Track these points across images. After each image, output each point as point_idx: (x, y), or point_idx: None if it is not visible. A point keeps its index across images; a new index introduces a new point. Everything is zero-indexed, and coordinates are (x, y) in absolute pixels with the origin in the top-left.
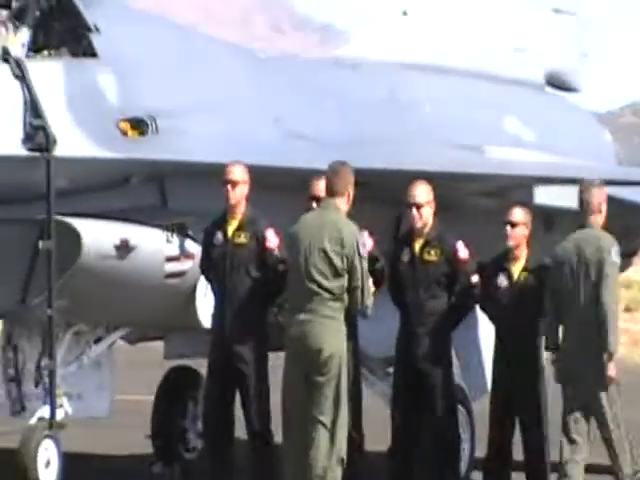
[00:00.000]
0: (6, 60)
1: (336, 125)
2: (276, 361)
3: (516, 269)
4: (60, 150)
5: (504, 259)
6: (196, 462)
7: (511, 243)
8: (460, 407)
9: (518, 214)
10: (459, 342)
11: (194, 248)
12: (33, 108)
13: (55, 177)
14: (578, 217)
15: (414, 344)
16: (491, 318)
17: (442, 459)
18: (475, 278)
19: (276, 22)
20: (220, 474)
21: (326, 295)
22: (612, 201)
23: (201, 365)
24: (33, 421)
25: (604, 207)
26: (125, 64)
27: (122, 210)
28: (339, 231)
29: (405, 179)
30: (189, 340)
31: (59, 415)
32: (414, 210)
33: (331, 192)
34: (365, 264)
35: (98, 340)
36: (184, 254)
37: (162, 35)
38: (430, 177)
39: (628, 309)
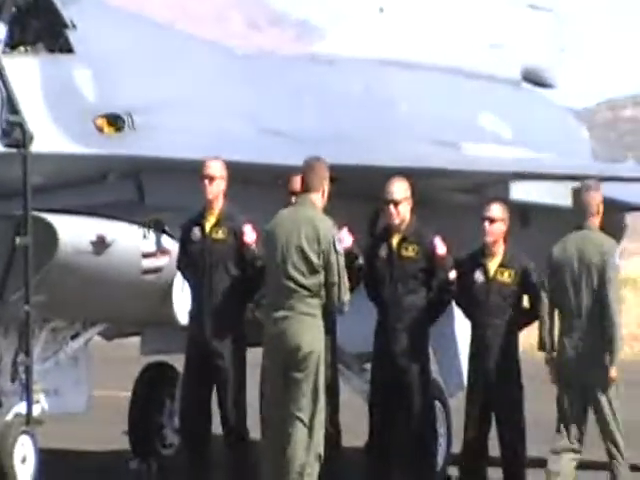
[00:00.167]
0: None
1: (313, 121)
2: (253, 357)
3: (492, 265)
4: (37, 146)
5: (481, 255)
6: (173, 458)
7: (489, 239)
8: (437, 403)
9: (496, 210)
10: (435, 338)
11: (170, 244)
12: (10, 104)
13: (32, 173)
14: (554, 213)
15: (392, 340)
16: (467, 314)
17: (419, 454)
18: (453, 274)
19: (252, 19)
20: (197, 470)
21: (304, 292)
22: None
23: (177, 361)
24: (10, 417)
25: (601, 208)
26: (101, 60)
27: (99, 206)
28: (315, 227)
29: (382, 175)
30: (165, 336)
31: (36, 411)
32: (391, 207)
33: (306, 187)
34: (342, 260)
35: (75, 336)
36: (160, 250)
37: (139, 32)
38: (407, 173)
39: None
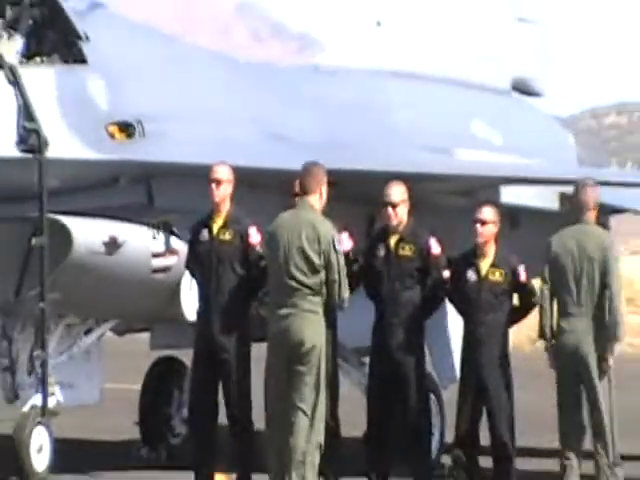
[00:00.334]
0: (0, 67)
1: (314, 128)
2: (257, 352)
3: (484, 265)
4: (52, 152)
5: (473, 255)
6: (181, 447)
7: (480, 240)
8: (431, 395)
9: (488, 213)
10: (430, 333)
11: (178, 244)
12: (26, 112)
13: (47, 177)
14: (542, 216)
15: (389, 335)
16: (460, 310)
17: (414, 444)
18: (446, 273)
19: (255, 31)
20: (203, 458)
21: (306, 290)
22: None
23: (186, 355)
24: (26, 409)
25: (597, 205)
26: (113, 70)
27: (111, 208)
28: (315, 229)
29: (380, 180)
30: (174, 332)
31: (51, 403)
32: (390, 209)
33: (304, 190)
34: (341, 259)
35: (88, 331)
36: (169, 250)
37: (149, 43)
38: (403, 177)
39: None
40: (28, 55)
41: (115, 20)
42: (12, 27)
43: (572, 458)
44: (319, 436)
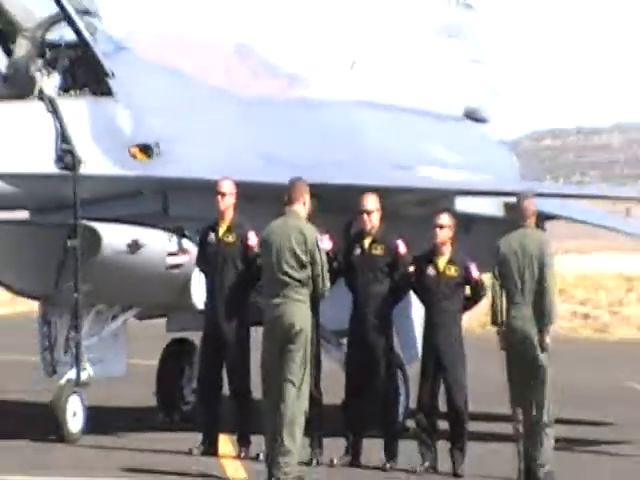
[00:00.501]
0: (41, 99)
1: (302, 150)
2: (255, 334)
3: (441, 262)
4: (84, 169)
5: (432, 254)
6: (191, 412)
7: (438, 241)
8: (398, 370)
9: (445, 219)
10: (397, 318)
11: (189, 246)
12: (63, 136)
13: (80, 190)
14: (490, 222)
15: (363, 320)
16: (421, 300)
17: (385, 410)
18: (411, 268)
19: (253, 70)
20: (209, 422)
21: (295, 283)
22: None
23: (195, 337)
24: (63, 381)
25: (536, 212)
26: (135, 101)
27: (133, 216)
28: (302, 233)
29: (356, 192)
30: (186, 318)
31: (83, 376)
32: (365, 215)
33: (290, 199)
34: (324, 257)
35: (114, 317)
36: (182, 250)
37: (164, 79)
38: (376, 190)
39: None
40: (64, 89)
41: (136, 60)
42: (51, 65)
43: (521, 422)
44: (305, 403)
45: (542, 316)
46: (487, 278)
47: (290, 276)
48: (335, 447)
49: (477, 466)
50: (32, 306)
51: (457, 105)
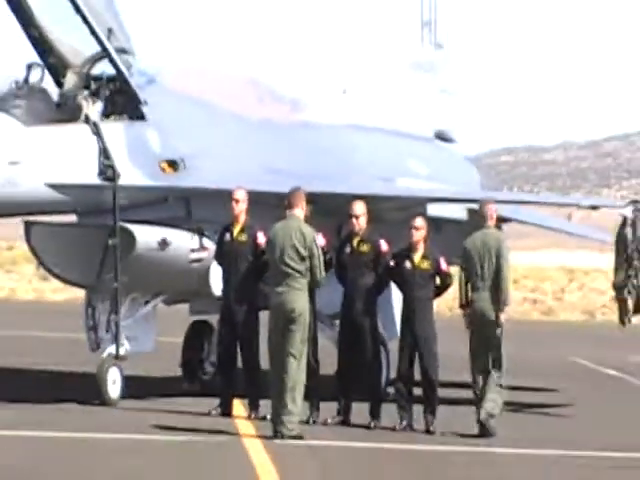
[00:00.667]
0: (87, 122)
1: (301, 165)
2: (263, 317)
3: (417, 257)
4: (122, 180)
5: (409, 250)
6: (210, 381)
7: (414, 240)
8: (381, 346)
9: (419, 222)
10: (380, 304)
11: (208, 243)
12: (104, 153)
13: (119, 198)
14: (459, 224)
15: (352, 305)
16: (400, 289)
17: (370, 379)
18: (391, 263)
19: (260, 97)
20: (225, 389)
21: (296, 274)
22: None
23: (213, 319)
24: (104, 355)
25: (495, 216)
26: (164, 125)
27: (162, 218)
28: (302, 232)
29: (346, 199)
30: (205, 303)
31: (122, 351)
32: (354, 219)
33: (290, 205)
34: (320, 252)
35: (147, 302)
36: (202, 247)
37: (187, 106)
38: (363, 198)
39: None
40: (105, 114)
41: (164, 90)
42: (95, 95)
43: (480, 387)
44: (304, 373)
45: (498, 299)
46: (454, 270)
47: (292, 268)
48: (329, 409)
49: (445, 424)
50: (77, 293)
51: (429, 127)
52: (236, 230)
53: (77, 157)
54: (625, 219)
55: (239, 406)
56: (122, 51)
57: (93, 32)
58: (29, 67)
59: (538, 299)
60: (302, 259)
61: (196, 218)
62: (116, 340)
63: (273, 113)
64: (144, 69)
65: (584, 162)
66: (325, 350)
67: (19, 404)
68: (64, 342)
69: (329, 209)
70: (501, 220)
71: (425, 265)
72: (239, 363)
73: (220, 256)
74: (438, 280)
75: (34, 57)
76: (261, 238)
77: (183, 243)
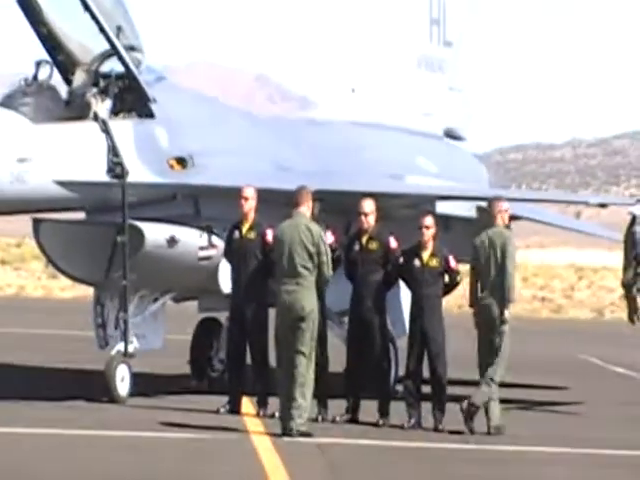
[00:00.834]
0: (96, 120)
1: (310, 162)
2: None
3: (426, 255)
4: (131, 178)
5: (418, 248)
6: (219, 379)
7: (423, 238)
8: (390, 343)
9: (429, 219)
10: (389, 301)
11: (217, 241)
12: (113, 151)
13: (127, 195)
14: (468, 222)
15: (361, 303)
16: (409, 286)
17: (379, 376)
18: (400, 260)
19: (269, 95)
20: (234, 386)
21: (305, 272)
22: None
23: (222, 316)
24: (113, 352)
25: (507, 216)
26: (172, 122)
27: (171, 216)
28: (310, 229)
29: (355, 196)
30: (214, 300)
31: (130, 348)
32: (362, 217)
33: (297, 202)
34: (328, 249)
35: (155, 300)
36: (211, 245)
37: (196, 103)
38: (372, 195)
39: None
40: (114, 112)
41: (173, 87)
42: (103, 93)
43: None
44: (313, 370)
45: (503, 296)
46: (463, 268)
47: (300, 265)
48: (338, 407)
49: (454, 423)
50: (85, 291)
51: (438, 126)
52: (245, 228)
53: (86, 154)
54: (634, 217)
55: (248, 403)
56: (131, 48)
57: (102, 29)
58: (38, 64)
59: (547, 297)
60: (310, 256)
61: (205, 216)
62: (125, 337)
63: (282, 110)
64: (153, 66)
65: (593, 160)
66: (334, 348)
67: (27, 401)
68: (72, 339)
69: (338, 207)
70: (511, 218)
71: (434, 263)
72: (248, 360)
73: (229, 254)
74: (447, 278)
75: (43, 54)
76: (270, 236)
77: (192, 241)
